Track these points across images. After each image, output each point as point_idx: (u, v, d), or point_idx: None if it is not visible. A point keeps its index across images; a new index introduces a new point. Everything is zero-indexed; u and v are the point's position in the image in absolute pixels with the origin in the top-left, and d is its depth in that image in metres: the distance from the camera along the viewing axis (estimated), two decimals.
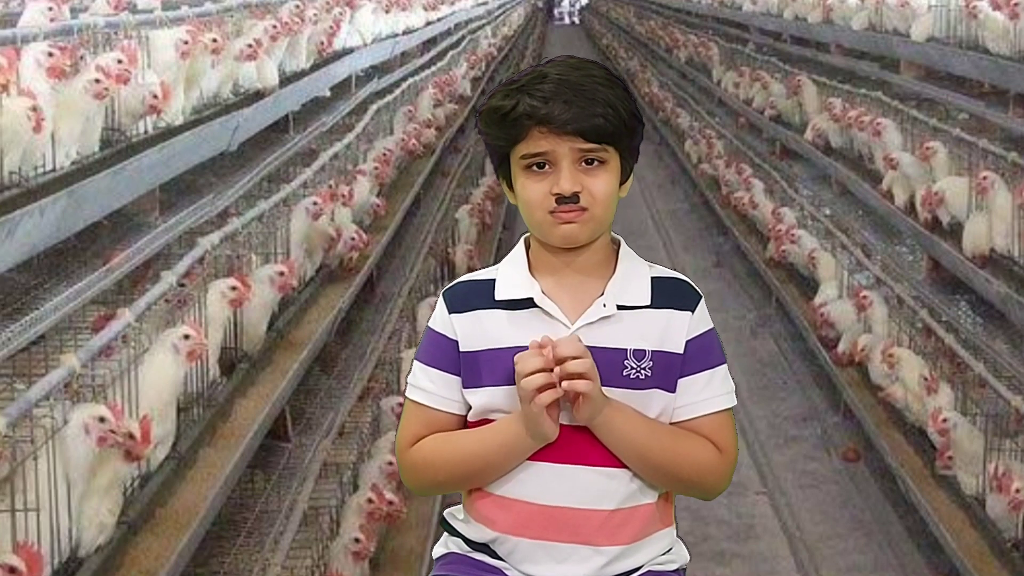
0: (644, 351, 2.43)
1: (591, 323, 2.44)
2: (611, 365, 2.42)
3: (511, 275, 2.49)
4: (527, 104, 2.39)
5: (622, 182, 2.46)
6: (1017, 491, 6.37)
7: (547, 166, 2.41)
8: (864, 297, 9.18)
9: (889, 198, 10.18)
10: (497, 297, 2.47)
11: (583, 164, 2.41)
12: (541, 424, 2.38)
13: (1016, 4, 8.76)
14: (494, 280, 2.49)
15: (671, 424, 2.48)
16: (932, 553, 7.41)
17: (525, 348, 2.40)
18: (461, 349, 2.46)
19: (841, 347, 9.45)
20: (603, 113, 2.39)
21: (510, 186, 2.48)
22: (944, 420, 7.14)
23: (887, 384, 8.25)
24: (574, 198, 2.40)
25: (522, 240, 2.53)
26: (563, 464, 2.43)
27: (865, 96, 11.52)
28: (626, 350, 2.43)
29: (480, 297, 2.48)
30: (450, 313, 2.49)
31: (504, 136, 2.43)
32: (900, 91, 11.78)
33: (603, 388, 2.40)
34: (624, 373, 2.43)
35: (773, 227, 11.97)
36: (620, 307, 2.45)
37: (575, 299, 2.46)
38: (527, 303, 2.45)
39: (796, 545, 7.97)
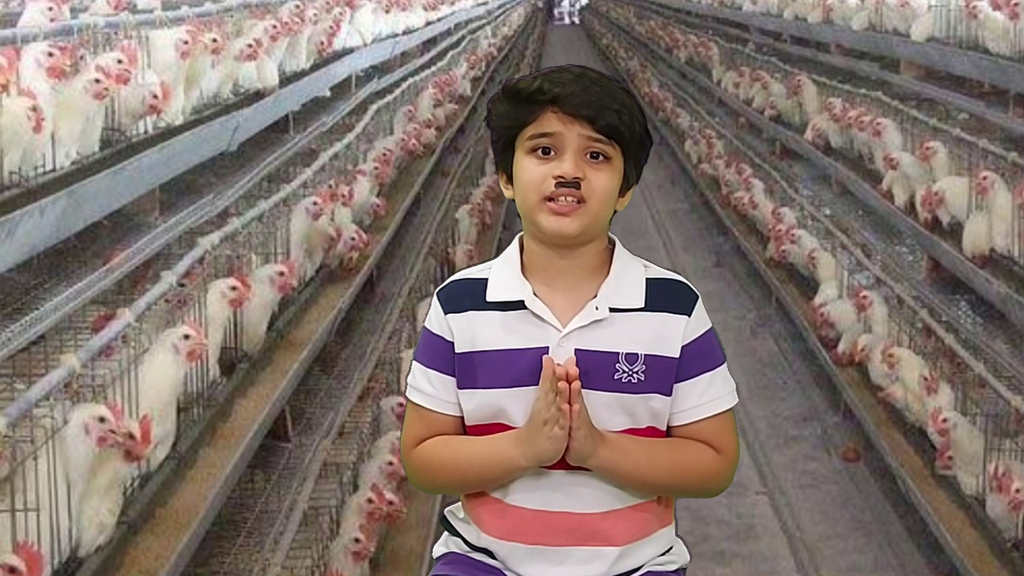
0: (637, 355, 2.41)
1: (583, 326, 2.42)
2: (603, 369, 2.40)
3: (503, 276, 2.47)
4: (545, 84, 2.40)
5: (622, 192, 2.46)
6: (1017, 491, 6.37)
7: (552, 152, 2.41)
8: (864, 297, 9.18)
9: (889, 198, 10.17)
10: (488, 298, 2.46)
11: (588, 156, 2.41)
12: (558, 443, 2.37)
13: (1016, 4, 8.74)
14: (486, 280, 2.48)
15: (671, 427, 2.47)
16: (932, 553, 7.41)
17: (515, 351, 2.40)
18: (456, 350, 2.46)
19: (841, 347, 9.45)
20: (617, 109, 2.40)
21: (509, 179, 2.47)
22: (944, 420, 7.13)
23: (887, 384, 8.24)
24: (575, 184, 2.39)
25: (516, 239, 2.51)
26: (558, 469, 2.42)
27: (865, 96, 11.50)
28: (618, 354, 2.41)
29: (473, 298, 2.47)
30: (445, 314, 2.48)
31: (515, 115, 2.42)
32: (900, 91, 11.76)
33: (595, 392, 2.39)
34: (616, 377, 2.41)
35: (773, 227, 11.96)
36: (613, 309, 2.43)
37: (568, 301, 2.44)
38: (518, 305, 2.44)
39: (796, 545, 7.97)
